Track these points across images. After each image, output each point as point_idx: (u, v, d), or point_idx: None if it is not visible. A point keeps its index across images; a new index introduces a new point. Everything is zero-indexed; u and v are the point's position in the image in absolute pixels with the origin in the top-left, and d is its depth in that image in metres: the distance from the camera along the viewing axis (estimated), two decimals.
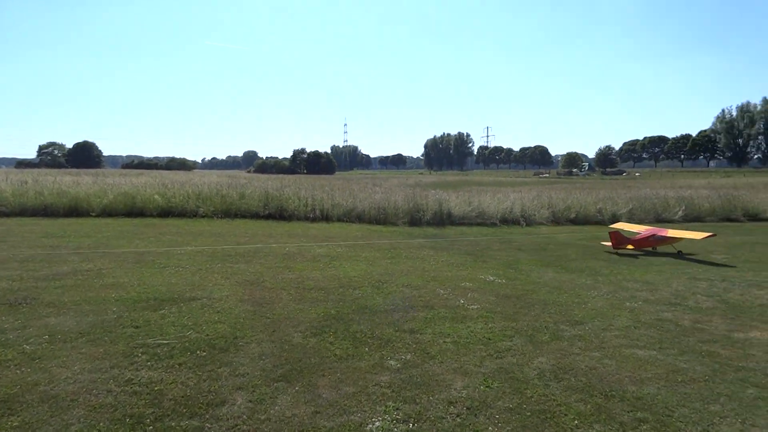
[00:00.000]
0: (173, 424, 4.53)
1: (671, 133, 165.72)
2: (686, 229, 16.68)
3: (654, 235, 15.42)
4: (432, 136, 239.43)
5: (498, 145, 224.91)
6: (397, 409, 4.90)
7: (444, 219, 21.80)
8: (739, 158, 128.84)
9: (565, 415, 4.85)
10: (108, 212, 20.81)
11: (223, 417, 4.67)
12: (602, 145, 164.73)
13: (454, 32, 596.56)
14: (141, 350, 6.17)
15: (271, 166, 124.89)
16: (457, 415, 4.81)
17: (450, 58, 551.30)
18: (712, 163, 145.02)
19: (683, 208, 25.17)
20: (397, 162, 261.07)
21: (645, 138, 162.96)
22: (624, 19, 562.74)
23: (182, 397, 5.02)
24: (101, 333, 6.72)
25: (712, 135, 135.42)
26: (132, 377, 5.41)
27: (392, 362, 6.05)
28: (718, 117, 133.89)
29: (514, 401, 5.11)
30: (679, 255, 14.79)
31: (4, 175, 29.25)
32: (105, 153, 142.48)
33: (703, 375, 5.83)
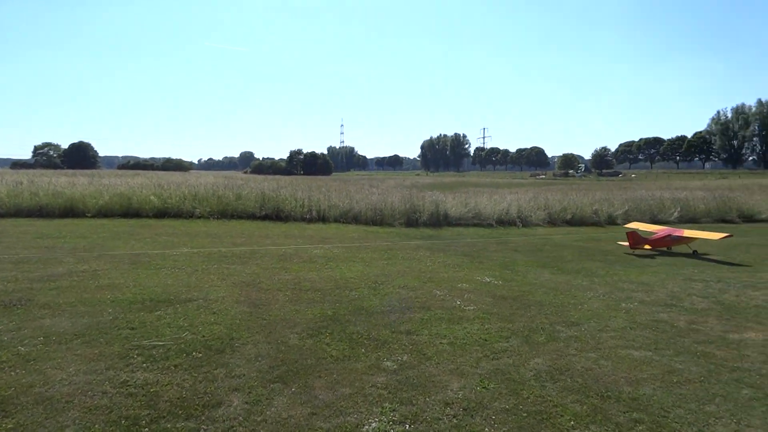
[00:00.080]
0: (169, 425, 4.52)
1: (667, 135, 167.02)
2: (702, 230, 16.80)
3: (670, 235, 15.53)
4: (428, 137, 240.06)
5: (494, 146, 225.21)
6: (394, 410, 4.90)
7: (441, 220, 21.82)
8: (734, 160, 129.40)
9: (562, 415, 4.86)
10: (104, 213, 20.75)
11: (219, 418, 4.65)
12: (598, 146, 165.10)
13: (450, 33, 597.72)
14: (136, 352, 6.15)
15: (268, 167, 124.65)
16: (454, 416, 4.81)
17: (447, 59, 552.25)
18: (707, 165, 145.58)
19: (679, 209, 25.25)
20: (394, 163, 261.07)
21: (641, 139, 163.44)
22: (620, 22, 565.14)
23: (178, 398, 5.00)
24: (96, 334, 6.70)
25: (708, 136, 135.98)
26: (127, 379, 5.39)
27: (389, 363, 6.05)
28: (713, 119, 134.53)
29: (510, 402, 5.11)
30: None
31: None
32: (101, 154, 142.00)
33: (698, 376, 5.85)
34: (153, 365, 5.77)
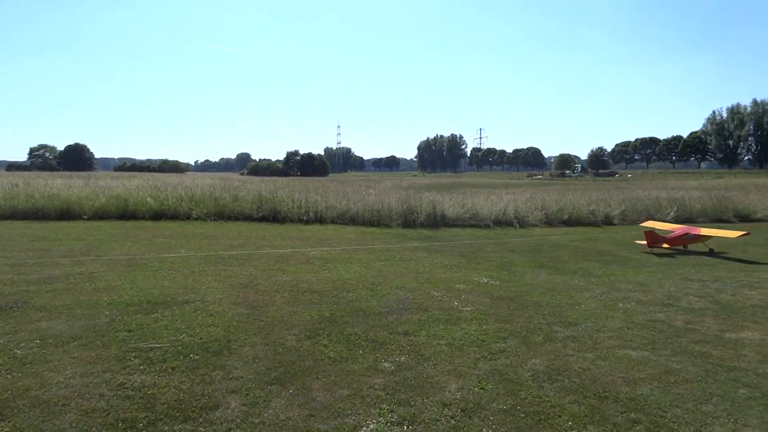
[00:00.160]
0: (166, 428, 4.50)
1: (662, 135, 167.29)
2: (720, 228, 16.91)
3: (687, 233, 15.62)
4: (425, 138, 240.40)
5: (491, 146, 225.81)
6: (392, 411, 4.90)
7: (438, 221, 21.82)
8: (729, 159, 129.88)
9: (559, 416, 4.86)
10: (100, 215, 20.70)
11: (217, 421, 4.64)
12: (594, 146, 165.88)
13: (447, 35, 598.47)
14: (134, 354, 6.13)
15: (265, 169, 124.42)
16: (452, 417, 4.81)
17: (443, 60, 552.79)
18: (703, 165, 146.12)
19: (675, 209, 25.31)
20: (391, 164, 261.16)
21: (637, 139, 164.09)
22: (615, 22, 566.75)
23: (175, 401, 4.99)
24: (93, 337, 6.67)
25: (703, 136, 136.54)
26: (125, 381, 5.37)
27: (386, 364, 6.05)
28: (708, 119, 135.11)
29: (508, 403, 5.11)
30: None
31: None
32: (97, 155, 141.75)
33: (695, 375, 5.86)
34: (150, 367, 5.75)
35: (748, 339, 7.19)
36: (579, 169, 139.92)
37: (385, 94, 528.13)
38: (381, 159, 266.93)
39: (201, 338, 6.75)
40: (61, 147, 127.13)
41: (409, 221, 21.38)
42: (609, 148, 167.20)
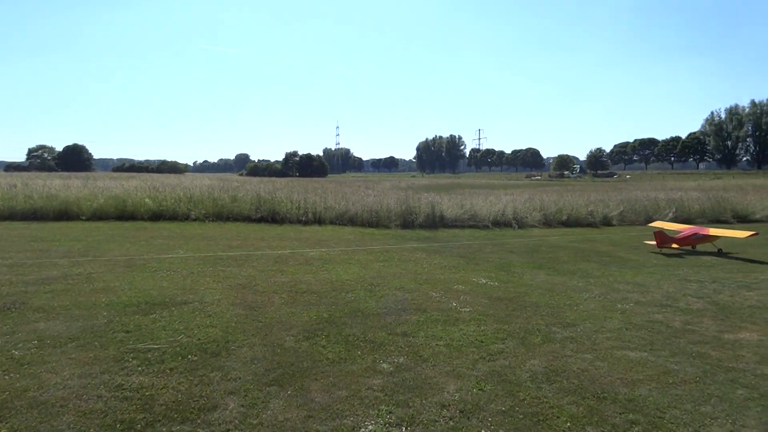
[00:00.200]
0: (164, 429, 4.49)
1: (661, 136, 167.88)
2: (728, 228, 17.00)
3: (696, 233, 15.69)
4: (424, 139, 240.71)
5: (490, 147, 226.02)
6: (390, 412, 4.90)
7: (436, 222, 21.83)
8: (728, 160, 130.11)
9: (558, 417, 4.86)
10: (98, 216, 20.67)
11: (215, 422, 4.63)
12: (593, 147, 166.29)
13: (446, 36, 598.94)
14: (132, 355, 6.12)
15: (263, 169, 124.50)
16: (450, 419, 4.80)
17: (442, 60, 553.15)
18: (701, 165, 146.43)
19: (674, 210, 25.36)
20: (390, 165, 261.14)
21: (635, 140, 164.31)
22: (614, 24, 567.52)
23: (173, 402, 4.98)
24: (91, 338, 6.66)
25: (702, 137, 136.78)
26: (123, 382, 5.36)
27: (385, 365, 6.04)
28: (707, 119, 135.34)
29: (506, 404, 5.11)
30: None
31: None
32: (95, 156, 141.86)
33: (693, 376, 5.86)
34: (148, 369, 5.74)
35: (746, 340, 7.19)
36: (578, 170, 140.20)
37: (384, 94, 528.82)
38: (380, 160, 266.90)
39: (199, 339, 6.74)
40: (59, 148, 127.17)
41: (407, 222, 21.39)
42: (608, 148, 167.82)
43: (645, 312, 8.61)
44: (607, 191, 34.66)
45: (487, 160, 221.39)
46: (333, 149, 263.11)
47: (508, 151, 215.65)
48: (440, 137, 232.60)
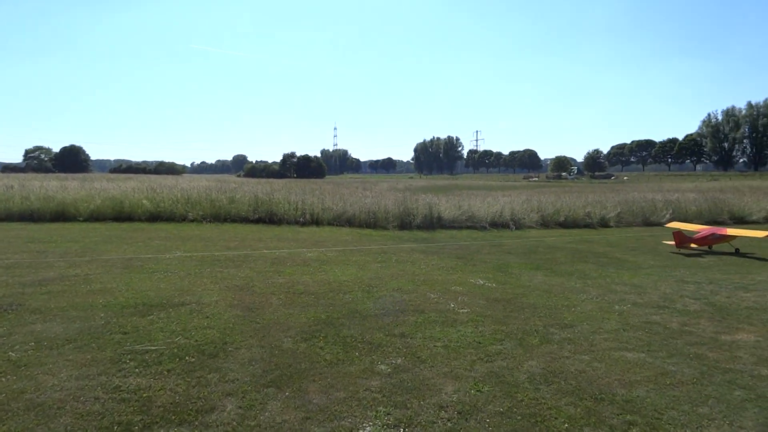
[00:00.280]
0: (162, 431, 4.49)
1: (658, 137, 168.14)
2: (745, 228, 17.22)
3: (714, 233, 15.89)
4: (422, 140, 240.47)
5: (487, 148, 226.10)
6: (388, 414, 4.89)
7: (434, 223, 21.85)
8: (724, 162, 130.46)
9: (556, 418, 4.87)
10: (95, 217, 20.64)
11: (213, 424, 4.63)
12: (591, 148, 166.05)
13: (443, 38, 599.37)
14: (129, 357, 6.10)
15: (261, 170, 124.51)
16: (448, 420, 4.80)
17: (439, 62, 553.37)
18: (698, 167, 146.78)
19: (671, 211, 25.44)
20: (388, 166, 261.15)
21: (633, 142, 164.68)
22: (611, 26, 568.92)
23: (171, 403, 4.97)
24: (88, 339, 6.64)
25: (698, 139, 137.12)
26: (120, 384, 5.35)
27: (383, 367, 6.04)
28: (704, 121, 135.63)
29: (504, 405, 5.11)
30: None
31: None
32: (92, 157, 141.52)
33: (691, 377, 5.88)
34: (146, 370, 5.73)
35: (743, 341, 7.21)
36: (575, 171, 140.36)
37: (382, 95, 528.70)
38: (378, 161, 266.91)
39: (197, 340, 6.73)
40: (56, 149, 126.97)
41: (405, 223, 21.40)
42: (605, 150, 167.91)
43: (642, 313, 8.63)
44: (604, 192, 34.74)
45: (485, 161, 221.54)
46: (331, 150, 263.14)
47: (505, 152, 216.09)
48: (438, 138, 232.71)
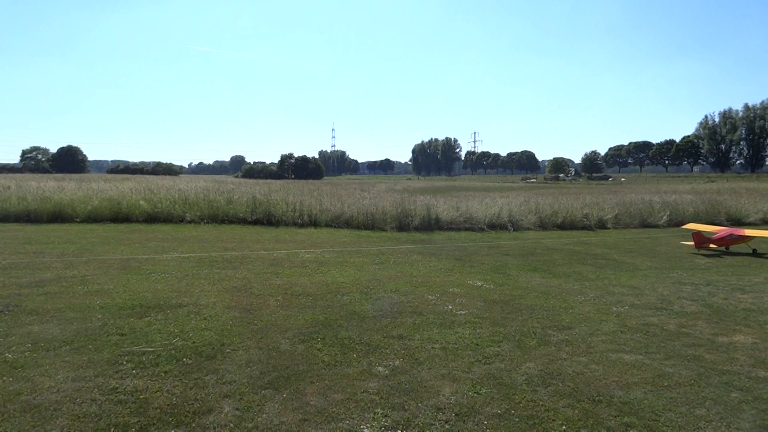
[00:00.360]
0: None
1: (656, 139, 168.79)
2: (763, 229, 17.45)
3: (731, 234, 16.19)
4: (420, 141, 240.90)
5: (485, 150, 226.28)
6: (386, 415, 4.89)
7: (432, 224, 21.85)
8: (721, 163, 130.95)
9: (553, 420, 4.87)
10: (93, 218, 20.60)
11: (210, 425, 4.62)
12: (588, 150, 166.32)
13: (441, 39, 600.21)
14: (126, 358, 6.09)
15: (259, 171, 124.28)
16: (446, 422, 4.80)
17: (437, 63, 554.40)
18: (695, 168, 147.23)
19: (668, 213, 25.49)
20: (385, 167, 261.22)
21: (630, 143, 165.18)
22: (608, 28, 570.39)
23: (168, 405, 4.96)
24: (85, 341, 6.62)
25: (696, 141, 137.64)
26: (117, 386, 5.33)
27: (380, 368, 6.04)
28: (701, 123, 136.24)
29: (502, 407, 5.11)
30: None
31: None
32: (90, 158, 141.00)
33: (688, 379, 5.88)
34: (143, 372, 5.71)
35: (740, 342, 7.23)
36: (573, 173, 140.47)
37: (380, 97, 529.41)
38: (376, 162, 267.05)
39: (194, 342, 6.71)
40: (53, 149, 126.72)
41: (403, 224, 21.39)
42: (603, 151, 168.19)
43: (640, 315, 8.64)
44: (602, 194, 34.80)
45: (483, 162, 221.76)
46: (329, 151, 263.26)
47: (503, 153, 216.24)
48: (436, 140, 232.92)
